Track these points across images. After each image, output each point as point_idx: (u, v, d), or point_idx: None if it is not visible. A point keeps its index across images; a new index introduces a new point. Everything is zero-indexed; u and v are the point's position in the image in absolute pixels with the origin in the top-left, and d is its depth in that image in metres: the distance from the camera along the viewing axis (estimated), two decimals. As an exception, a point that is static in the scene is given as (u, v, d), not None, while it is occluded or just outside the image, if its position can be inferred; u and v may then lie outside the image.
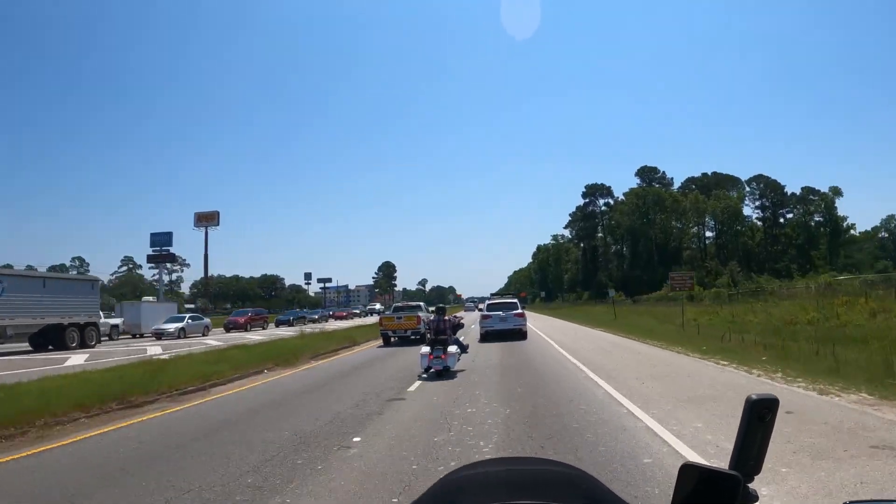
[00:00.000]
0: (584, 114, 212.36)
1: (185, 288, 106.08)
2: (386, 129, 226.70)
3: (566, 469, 1.03)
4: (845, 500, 0.93)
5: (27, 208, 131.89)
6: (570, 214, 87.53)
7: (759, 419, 0.82)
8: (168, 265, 78.52)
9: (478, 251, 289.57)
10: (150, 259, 60.93)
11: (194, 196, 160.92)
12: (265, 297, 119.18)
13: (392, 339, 18.13)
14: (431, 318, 11.71)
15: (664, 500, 0.79)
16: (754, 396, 0.83)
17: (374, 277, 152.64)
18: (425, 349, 10.49)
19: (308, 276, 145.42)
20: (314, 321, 42.78)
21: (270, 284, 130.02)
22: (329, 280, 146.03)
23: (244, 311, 35.31)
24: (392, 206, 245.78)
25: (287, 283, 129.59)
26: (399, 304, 22.36)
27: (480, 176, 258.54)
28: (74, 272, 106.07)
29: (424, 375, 10.14)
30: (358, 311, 57.44)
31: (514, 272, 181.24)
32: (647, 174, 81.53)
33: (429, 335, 11.08)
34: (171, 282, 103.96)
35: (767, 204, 76.34)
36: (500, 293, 37.13)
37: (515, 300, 22.28)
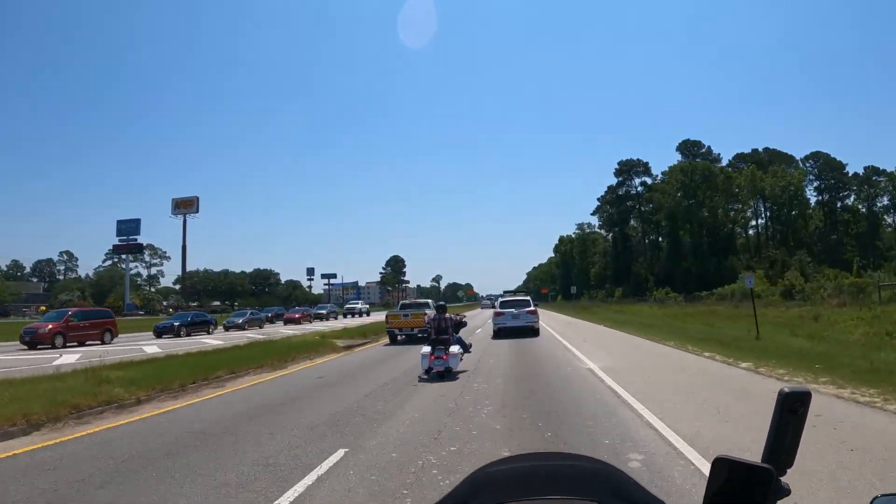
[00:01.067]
0: (616, 86, 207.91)
1: (168, 282, 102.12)
2: (399, 120, 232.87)
3: (594, 464, 1.04)
4: (875, 495, 0.95)
5: (12, 203, 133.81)
6: (598, 199, 78.25)
7: (791, 412, 0.83)
8: (144, 257, 69.55)
9: (496, 247, 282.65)
10: (116, 249, 52.28)
11: (187, 187, 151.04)
12: (256, 294, 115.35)
13: (399, 338, 18.19)
14: (432, 316, 11.34)
15: (697, 495, 0.74)
16: (787, 389, 0.83)
17: (381, 272, 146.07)
18: (426, 349, 10.21)
19: (311, 272, 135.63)
20: (260, 324, 37.58)
21: (263, 280, 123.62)
22: (333, 276, 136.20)
23: (54, 314, 25.23)
24: (406, 202, 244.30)
25: (286, 278, 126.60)
26: (406, 302, 22.31)
27: (499, 164, 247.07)
28: (62, 267, 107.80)
29: (425, 377, 9.80)
30: (324, 312, 48.13)
31: (534, 268, 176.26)
32: (690, 149, 71.17)
33: (430, 334, 10.69)
34: (149, 276, 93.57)
35: (825, 185, 66.80)
36: (515, 291, 39.50)
37: (528, 298, 22.96)
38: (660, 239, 67.35)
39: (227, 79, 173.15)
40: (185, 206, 53.72)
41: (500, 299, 23.55)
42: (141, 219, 54.19)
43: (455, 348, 10.55)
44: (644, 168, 72.29)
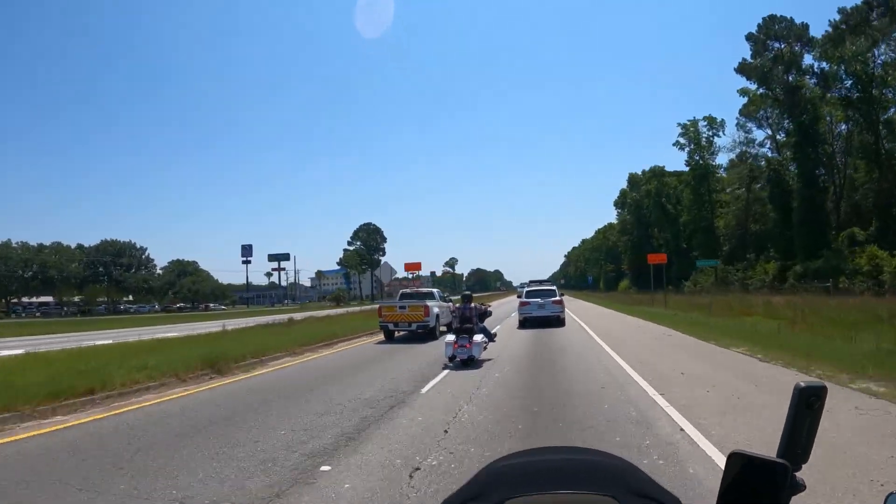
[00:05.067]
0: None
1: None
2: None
3: (611, 460, 1.04)
4: (891, 491, 0.98)
5: None
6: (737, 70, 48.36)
7: (807, 407, 0.85)
8: None
9: (527, 234, 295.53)
10: None
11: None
12: (99, 280, 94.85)
13: (396, 333, 18.54)
14: (456, 306, 13.15)
15: (712, 490, 0.93)
16: (802, 384, 0.86)
17: (345, 249, 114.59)
18: (450, 337, 11.74)
19: (247, 251, 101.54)
20: None
21: (115, 258, 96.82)
22: (286, 257, 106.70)
23: None
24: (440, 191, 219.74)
25: (220, 260, 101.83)
26: (407, 291, 22.56)
27: (533, 145, 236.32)
28: None
29: (450, 364, 11.31)
30: None
31: (575, 248, 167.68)
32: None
33: (454, 323, 12.25)
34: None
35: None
36: (546, 279, 35.81)
37: (554, 287, 24.64)
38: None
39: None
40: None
41: (526, 289, 25.28)
42: None
43: (479, 337, 11.72)
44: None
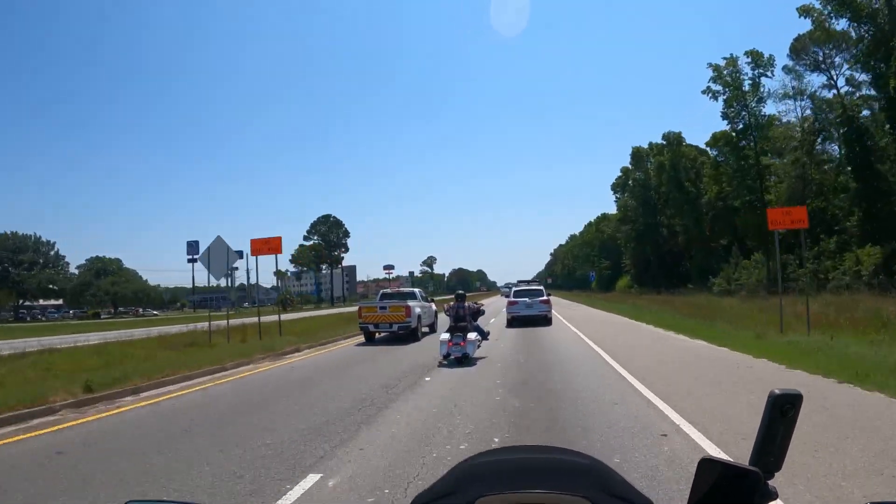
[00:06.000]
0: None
1: None
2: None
3: (581, 458, 1.07)
4: (868, 502, 1.03)
5: None
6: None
7: (781, 414, 0.86)
8: None
9: (511, 234, 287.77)
10: None
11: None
12: None
13: (377, 335, 19.07)
14: (451, 304, 13.78)
15: (683, 494, 1.02)
16: (777, 391, 0.86)
17: (302, 244, 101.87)
18: (445, 336, 12.65)
19: (193, 248, 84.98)
20: None
21: (13, 254, 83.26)
22: (238, 255, 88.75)
23: None
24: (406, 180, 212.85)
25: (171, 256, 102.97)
26: (388, 291, 23.08)
27: (513, 142, 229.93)
28: None
29: (444, 362, 12.22)
30: None
31: (561, 245, 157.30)
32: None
33: (449, 322, 13.18)
34: None
35: None
36: (532, 279, 39.43)
37: (541, 287, 25.84)
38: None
39: None
40: None
41: (514, 288, 26.47)
42: None
43: (472, 335, 12.48)
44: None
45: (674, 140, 56.08)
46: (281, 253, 17.31)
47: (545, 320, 22.87)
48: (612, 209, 79.47)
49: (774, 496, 0.86)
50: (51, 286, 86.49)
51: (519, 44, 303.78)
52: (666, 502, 3.80)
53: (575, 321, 24.52)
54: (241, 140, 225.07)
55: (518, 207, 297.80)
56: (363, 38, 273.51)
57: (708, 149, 50.41)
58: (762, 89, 39.75)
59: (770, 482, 0.86)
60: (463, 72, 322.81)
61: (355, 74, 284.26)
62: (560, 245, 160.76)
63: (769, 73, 39.42)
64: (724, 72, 40.11)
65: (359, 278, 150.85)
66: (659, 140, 58.46)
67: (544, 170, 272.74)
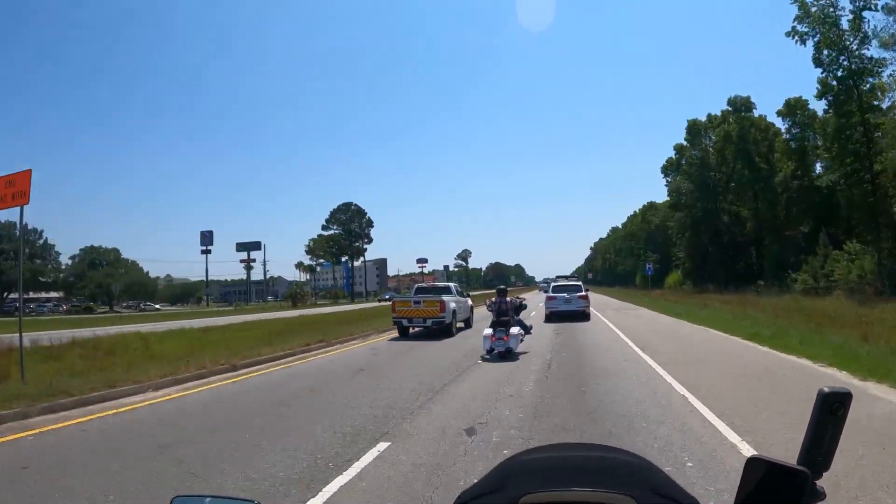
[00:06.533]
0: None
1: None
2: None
3: (627, 456, 1.06)
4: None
5: None
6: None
7: (830, 413, 0.85)
8: None
9: (549, 229, 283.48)
10: None
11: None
12: None
13: (411, 330, 19.17)
14: (493, 299, 13.77)
15: (730, 494, 1.07)
16: (826, 389, 0.86)
17: (320, 233, 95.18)
18: (488, 331, 12.71)
19: (207, 239, 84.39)
20: None
21: None
22: (255, 246, 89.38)
23: None
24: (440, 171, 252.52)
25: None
26: (423, 285, 23.40)
27: (552, 145, 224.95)
28: None
29: (487, 357, 12.30)
30: None
31: (602, 239, 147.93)
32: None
33: (491, 317, 13.28)
34: None
35: None
36: (570, 275, 44.19)
37: (580, 283, 26.83)
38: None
39: None
40: None
41: (553, 284, 27.96)
42: None
43: (515, 329, 12.44)
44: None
45: (741, 105, 47.43)
46: (27, 201, 10.25)
47: (583, 315, 23.16)
48: (660, 198, 73.43)
49: (823, 496, 0.85)
50: (40, 278, 79.70)
51: (556, 25, 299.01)
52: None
53: (638, 335, 16.82)
54: (266, 131, 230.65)
55: (557, 200, 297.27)
56: (398, 25, 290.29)
57: (779, 119, 42.85)
58: (865, 26, 30.02)
59: (818, 482, 0.84)
60: (494, 62, 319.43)
61: (386, 65, 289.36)
62: (600, 238, 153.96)
63: (872, 5, 29.60)
64: (813, 8, 30.90)
65: (390, 273, 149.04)
66: (718, 112, 50.21)
67: (583, 161, 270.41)
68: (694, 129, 54.19)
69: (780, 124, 45.88)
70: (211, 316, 40.32)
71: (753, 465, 0.85)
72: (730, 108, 48.56)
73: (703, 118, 53.69)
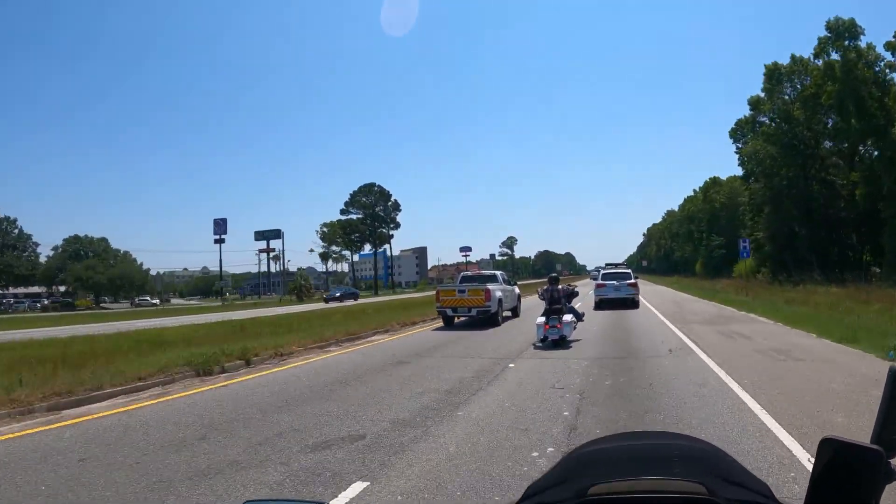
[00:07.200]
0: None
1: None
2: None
3: (696, 444, 1.06)
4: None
5: None
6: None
7: None
8: None
9: (606, 209, 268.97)
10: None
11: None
12: None
13: (456, 319, 18.93)
14: (545, 287, 13.88)
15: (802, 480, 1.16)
16: None
17: (339, 219, 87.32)
18: (541, 319, 12.89)
19: (220, 227, 77.96)
20: None
21: None
22: (276, 235, 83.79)
23: None
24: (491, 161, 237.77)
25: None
26: (469, 274, 22.98)
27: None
28: None
29: (539, 345, 12.52)
30: None
31: (655, 224, 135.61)
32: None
33: (544, 305, 13.29)
34: None
35: None
36: (621, 262, 46.91)
37: (629, 271, 28.01)
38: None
39: None
40: None
41: (602, 271, 29.63)
42: None
43: (568, 317, 12.65)
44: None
45: (844, 30, 34.73)
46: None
47: (632, 303, 24.02)
48: (726, 172, 67.06)
49: None
50: (14, 271, 74.43)
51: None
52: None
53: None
54: (292, 118, 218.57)
55: (609, 184, 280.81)
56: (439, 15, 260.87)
57: (889, 53, 31.68)
58: None
59: (893, 461, 0.84)
60: (534, 43, 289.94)
61: (424, 53, 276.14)
62: (654, 224, 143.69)
63: None
64: None
65: (431, 263, 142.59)
66: (805, 54, 39.65)
67: (637, 143, 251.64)
68: (773, 74, 42.45)
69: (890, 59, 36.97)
70: (178, 314, 34.56)
71: (826, 446, 0.82)
72: (829, 35, 36.39)
73: (786, 61, 42.78)
